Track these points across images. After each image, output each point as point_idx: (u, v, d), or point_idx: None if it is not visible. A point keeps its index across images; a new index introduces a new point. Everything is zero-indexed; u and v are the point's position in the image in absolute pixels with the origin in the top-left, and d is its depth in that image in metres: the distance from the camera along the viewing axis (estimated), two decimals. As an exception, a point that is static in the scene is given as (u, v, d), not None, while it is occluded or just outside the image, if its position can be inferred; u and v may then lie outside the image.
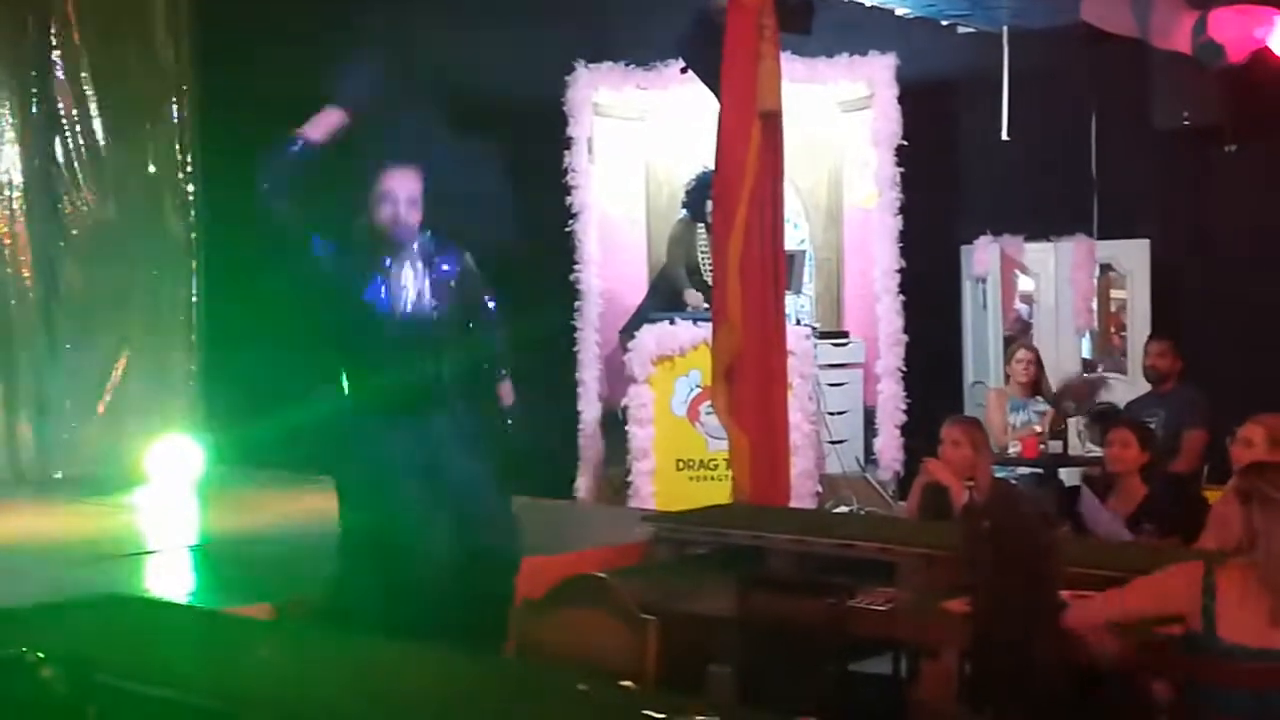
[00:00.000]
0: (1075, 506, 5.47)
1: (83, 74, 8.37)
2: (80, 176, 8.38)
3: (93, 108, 8.40)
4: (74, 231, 8.36)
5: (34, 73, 8.24)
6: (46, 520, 6.90)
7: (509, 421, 4.66)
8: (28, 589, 5.12)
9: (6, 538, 6.41)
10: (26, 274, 8.21)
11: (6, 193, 8.15)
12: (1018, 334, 8.81)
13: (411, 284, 4.37)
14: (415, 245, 4.39)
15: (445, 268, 4.45)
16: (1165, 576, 3.78)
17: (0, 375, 8.11)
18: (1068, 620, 3.79)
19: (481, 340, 4.62)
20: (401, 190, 4.30)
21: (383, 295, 4.32)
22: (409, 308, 4.36)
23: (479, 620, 4.18)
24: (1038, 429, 7.31)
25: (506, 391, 4.68)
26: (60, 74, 8.31)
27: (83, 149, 8.37)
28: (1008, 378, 7.72)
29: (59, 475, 8.20)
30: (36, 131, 8.24)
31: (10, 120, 8.18)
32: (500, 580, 4.36)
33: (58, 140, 8.32)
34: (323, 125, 4.32)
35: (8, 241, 8.15)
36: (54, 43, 8.29)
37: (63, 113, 8.32)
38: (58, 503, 7.36)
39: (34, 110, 8.25)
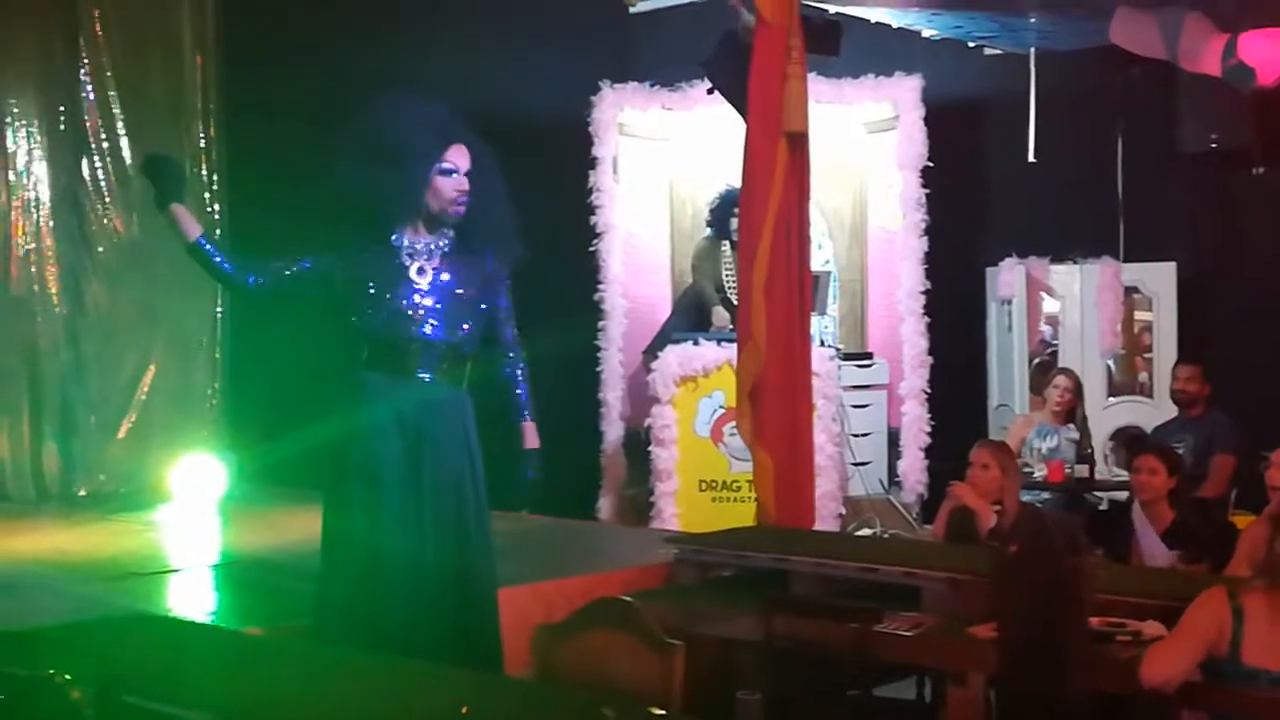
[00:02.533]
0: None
1: (110, 93, 8.42)
2: (107, 195, 8.42)
3: (119, 126, 8.45)
4: (100, 250, 8.41)
5: (62, 92, 8.30)
6: (70, 538, 6.91)
7: (529, 465, 4.40)
8: (52, 606, 5.14)
9: (31, 555, 6.42)
10: (53, 291, 8.25)
11: (34, 211, 8.21)
12: (1041, 355, 8.76)
13: (438, 266, 4.23)
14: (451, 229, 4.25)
15: (475, 263, 4.27)
16: (1195, 617, 3.70)
17: (26, 393, 8.15)
18: (1149, 682, 3.67)
19: (501, 371, 4.40)
20: (462, 164, 4.18)
21: (412, 279, 4.19)
22: (439, 292, 4.20)
23: (468, 630, 4.15)
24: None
25: (531, 433, 4.40)
26: (88, 93, 8.36)
27: (110, 167, 8.42)
28: (1042, 401, 7.65)
29: (83, 493, 8.22)
30: (64, 150, 8.30)
31: (38, 139, 8.24)
32: (485, 591, 4.27)
33: (85, 159, 8.37)
34: None
35: (35, 259, 8.20)
36: (82, 62, 8.35)
37: (90, 131, 8.37)
38: (82, 520, 7.37)
39: (62, 129, 8.30)
